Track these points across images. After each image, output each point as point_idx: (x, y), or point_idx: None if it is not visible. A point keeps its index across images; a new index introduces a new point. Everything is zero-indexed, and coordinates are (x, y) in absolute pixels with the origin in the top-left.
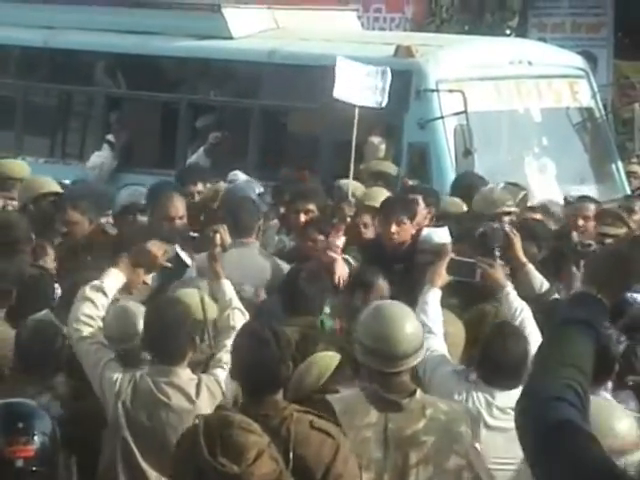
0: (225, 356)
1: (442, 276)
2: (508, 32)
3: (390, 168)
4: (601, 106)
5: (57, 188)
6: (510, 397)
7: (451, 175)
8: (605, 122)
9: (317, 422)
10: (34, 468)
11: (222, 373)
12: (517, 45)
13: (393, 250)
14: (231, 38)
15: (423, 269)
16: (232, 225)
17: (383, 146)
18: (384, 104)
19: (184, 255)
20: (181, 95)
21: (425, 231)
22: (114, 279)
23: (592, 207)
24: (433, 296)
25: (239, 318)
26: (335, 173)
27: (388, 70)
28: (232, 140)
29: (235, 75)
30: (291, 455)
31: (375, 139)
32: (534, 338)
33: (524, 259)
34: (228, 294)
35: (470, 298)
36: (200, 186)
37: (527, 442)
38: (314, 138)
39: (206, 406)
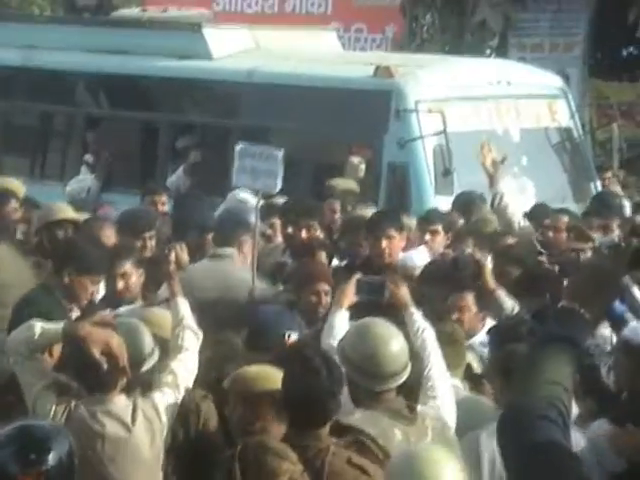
0: (168, 377)
1: (348, 296)
2: (488, 52)
3: (354, 185)
4: (580, 126)
5: (72, 215)
6: None
7: (430, 195)
8: (584, 142)
9: (355, 458)
10: None
11: (160, 397)
12: (496, 65)
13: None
14: (211, 58)
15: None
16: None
17: (363, 166)
18: (277, 189)
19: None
20: (161, 115)
21: (401, 256)
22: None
23: (564, 219)
24: (340, 317)
25: (189, 338)
26: (314, 192)
27: (281, 154)
28: (212, 159)
29: (215, 95)
30: None
31: (355, 159)
32: (434, 359)
33: (493, 285)
34: (181, 313)
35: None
36: (165, 197)
37: (510, 461)
38: (293, 158)
39: (142, 433)
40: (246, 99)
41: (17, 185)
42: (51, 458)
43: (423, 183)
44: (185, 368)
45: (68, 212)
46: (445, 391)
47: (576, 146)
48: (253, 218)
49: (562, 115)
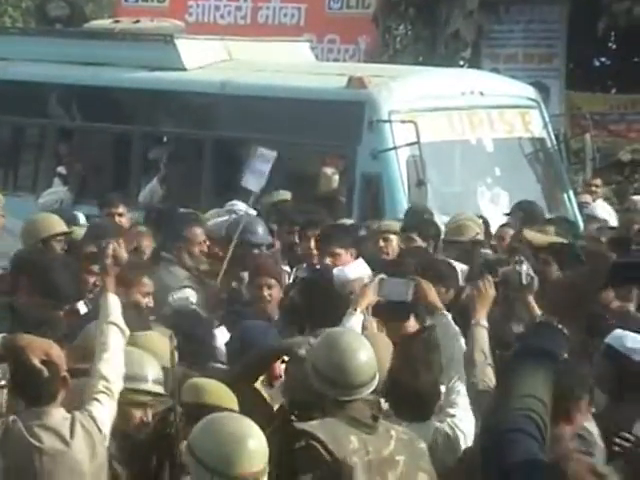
0: (99, 384)
1: (367, 298)
2: (461, 63)
3: (287, 195)
4: (553, 136)
5: (65, 228)
6: (418, 430)
7: (404, 205)
8: (557, 152)
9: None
10: None
11: (97, 407)
12: (469, 76)
13: None
14: (184, 69)
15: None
16: None
17: (336, 177)
18: (259, 188)
19: None
20: (134, 126)
21: (337, 271)
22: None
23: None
24: (354, 320)
25: (114, 335)
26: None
27: (274, 156)
28: (185, 171)
29: (188, 106)
30: None
31: (328, 170)
32: (460, 367)
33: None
34: (109, 308)
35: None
36: (122, 208)
37: (486, 476)
38: None
39: (82, 446)
40: (219, 110)
41: None
42: None
43: (397, 193)
44: (114, 370)
45: (62, 225)
46: (467, 404)
47: (549, 156)
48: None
49: (535, 125)
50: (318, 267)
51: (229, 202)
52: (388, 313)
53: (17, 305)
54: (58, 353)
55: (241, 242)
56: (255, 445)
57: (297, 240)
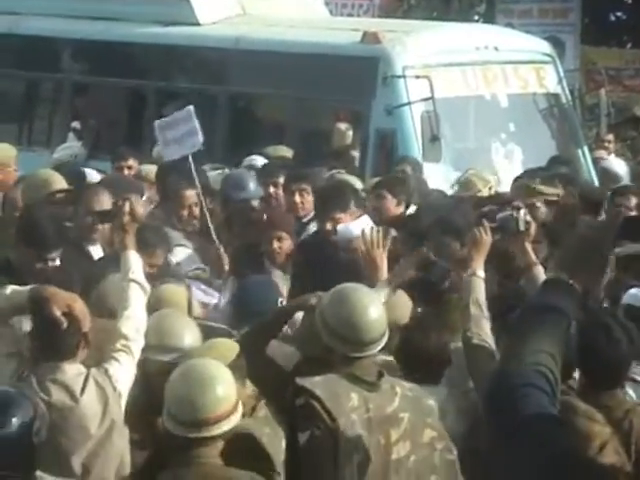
0: (118, 343)
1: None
2: (476, 18)
3: (288, 152)
4: (568, 92)
5: (65, 185)
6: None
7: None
8: (572, 108)
9: None
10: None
11: (114, 365)
12: (483, 31)
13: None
14: (198, 24)
15: (350, 269)
16: None
17: (350, 132)
18: (200, 143)
19: None
20: (148, 82)
21: (340, 227)
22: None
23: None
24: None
25: (135, 292)
26: (300, 159)
27: (192, 110)
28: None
29: (202, 61)
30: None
31: (342, 125)
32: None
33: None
34: (130, 265)
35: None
36: (131, 161)
37: (495, 431)
38: (281, 124)
39: (93, 403)
40: (233, 66)
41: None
42: (14, 423)
43: (411, 149)
44: (134, 326)
45: (62, 181)
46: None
47: (564, 112)
48: (252, 186)
49: (550, 81)
50: (304, 221)
51: (248, 157)
52: (424, 291)
53: (11, 257)
54: (81, 308)
55: (228, 198)
56: (214, 389)
57: (271, 192)
